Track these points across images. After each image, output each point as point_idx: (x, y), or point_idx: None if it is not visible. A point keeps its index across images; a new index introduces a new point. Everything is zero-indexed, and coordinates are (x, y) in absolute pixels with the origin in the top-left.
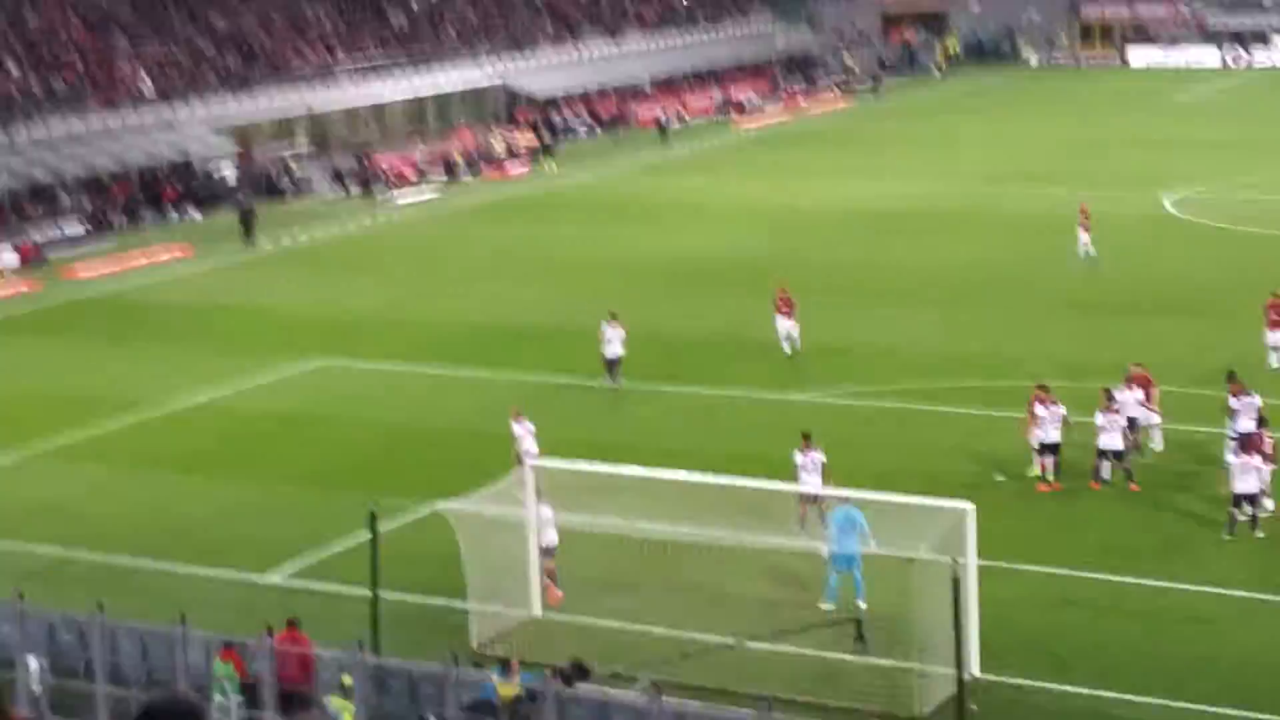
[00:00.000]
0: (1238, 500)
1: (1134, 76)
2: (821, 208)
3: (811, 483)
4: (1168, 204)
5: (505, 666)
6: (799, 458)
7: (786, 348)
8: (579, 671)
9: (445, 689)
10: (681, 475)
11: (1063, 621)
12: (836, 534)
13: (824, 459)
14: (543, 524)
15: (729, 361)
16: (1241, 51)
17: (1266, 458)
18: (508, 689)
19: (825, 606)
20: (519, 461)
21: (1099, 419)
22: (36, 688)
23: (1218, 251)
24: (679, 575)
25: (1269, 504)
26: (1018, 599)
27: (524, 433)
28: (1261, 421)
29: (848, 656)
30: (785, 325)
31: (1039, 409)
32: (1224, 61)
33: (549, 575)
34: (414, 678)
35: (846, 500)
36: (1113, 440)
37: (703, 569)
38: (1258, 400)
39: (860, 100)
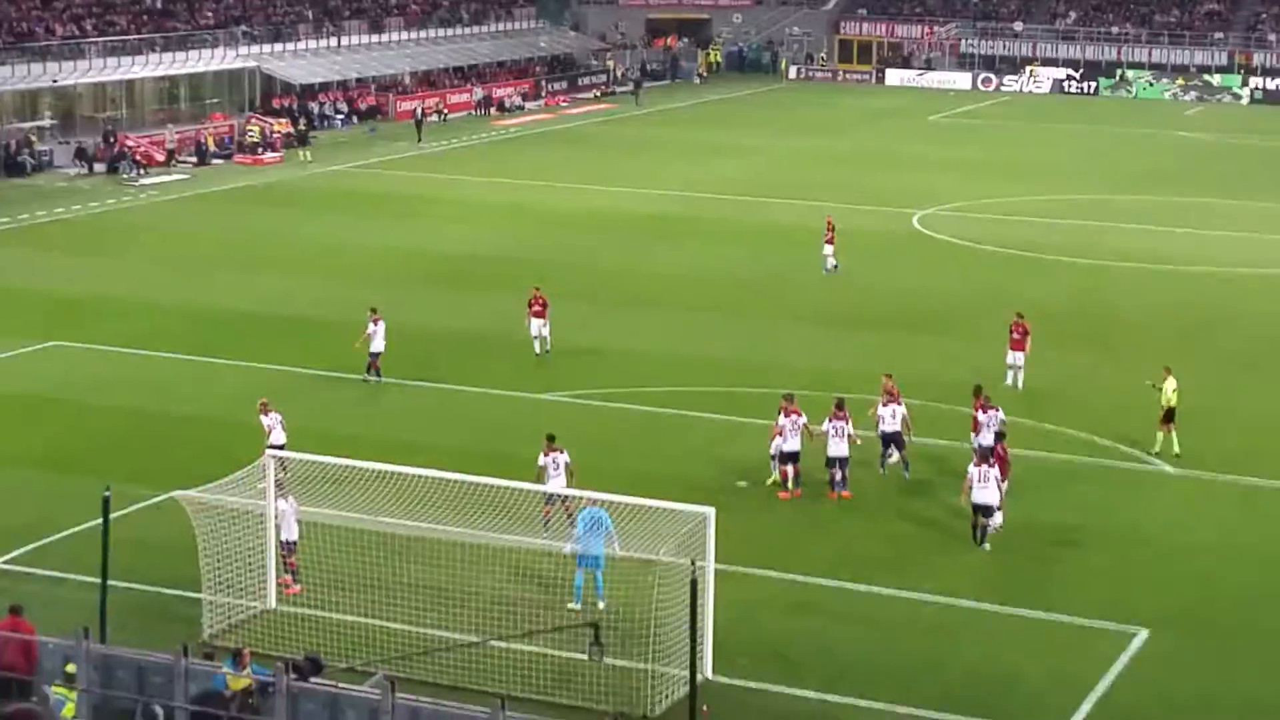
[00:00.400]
0: (976, 510)
1: (889, 95)
2: (578, 209)
3: (556, 483)
4: (916, 221)
5: (237, 658)
6: (543, 459)
7: (537, 347)
8: (312, 665)
9: (174, 679)
10: (428, 471)
11: (796, 627)
12: (583, 534)
13: (568, 460)
14: (285, 518)
15: (482, 359)
16: (993, 76)
17: (1004, 470)
18: (238, 681)
19: (572, 606)
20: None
21: (827, 427)
22: None
23: (962, 269)
24: (420, 572)
25: (999, 519)
26: (754, 603)
27: (273, 424)
28: (1000, 436)
29: (583, 657)
30: (537, 325)
31: (781, 418)
32: (975, 85)
33: (290, 570)
34: (142, 667)
35: (594, 502)
36: (840, 448)
37: (445, 567)
38: (1001, 414)
39: (621, 104)
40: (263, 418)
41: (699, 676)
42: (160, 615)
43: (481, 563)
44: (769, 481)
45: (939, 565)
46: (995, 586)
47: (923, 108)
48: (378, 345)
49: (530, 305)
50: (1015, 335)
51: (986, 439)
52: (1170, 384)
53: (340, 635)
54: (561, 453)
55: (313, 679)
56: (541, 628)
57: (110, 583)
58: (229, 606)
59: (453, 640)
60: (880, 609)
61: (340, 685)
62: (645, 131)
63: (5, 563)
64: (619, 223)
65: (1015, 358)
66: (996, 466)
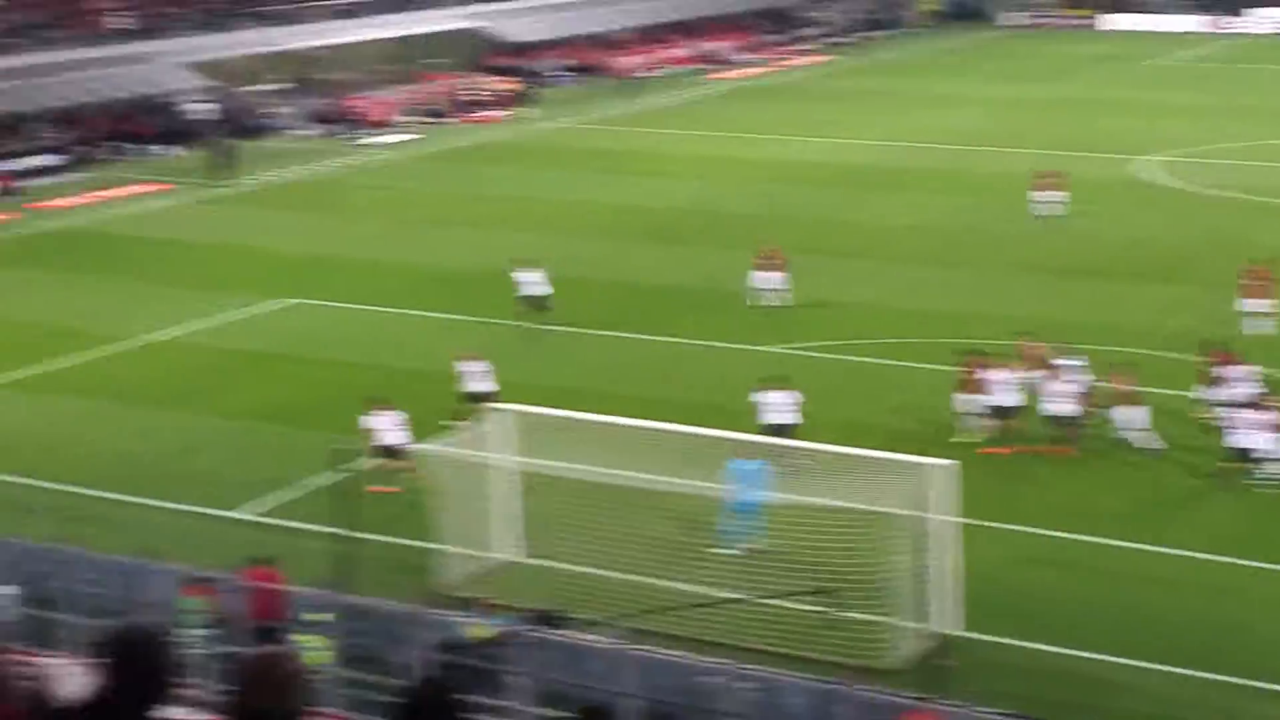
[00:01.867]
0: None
1: (1110, 39)
2: (794, 162)
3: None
4: (1137, 168)
5: (479, 608)
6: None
7: (773, 299)
8: (552, 617)
9: (418, 628)
10: (648, 424)
11: (1032, 580)
12: (741, 484)
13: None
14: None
15: (700, 312)
16: (1216, 18)
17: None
18: (481, 630)
19: (731, 550)
20: (459, 399)
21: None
22: (7, 616)
23: (1187, 215)
24: (658, 525)
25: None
26: (990, 558)
27: (474, 370)
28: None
29: (821, 610)
30: (768, 278)
31: (988, 373)
32: (1199, 26)
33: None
34: (387, 616)
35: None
36: (1061, 407)
37: (682, 520)
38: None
39: (839, 56)
40: (460, 365)
41: (944, 629)
42: (402, 567)
43: (714, 519)
44: (962, 438)
45: (1174, 518)
46: (1230, 540)
47: (1144, 52)
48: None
49: (762, 259)
50: (1250, 282)
51: (1241, 391)
52: None
53: (581, 589)
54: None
55: (553, 630)
56: (779, 581)
57: (353, 535)
58: (470, 558)
59: (692, 594)
60: (1112, 560)
61: (581, 637)
62: (862, 82)
63: (250, 514)
64: (835, 175)
65: (1251, 305)
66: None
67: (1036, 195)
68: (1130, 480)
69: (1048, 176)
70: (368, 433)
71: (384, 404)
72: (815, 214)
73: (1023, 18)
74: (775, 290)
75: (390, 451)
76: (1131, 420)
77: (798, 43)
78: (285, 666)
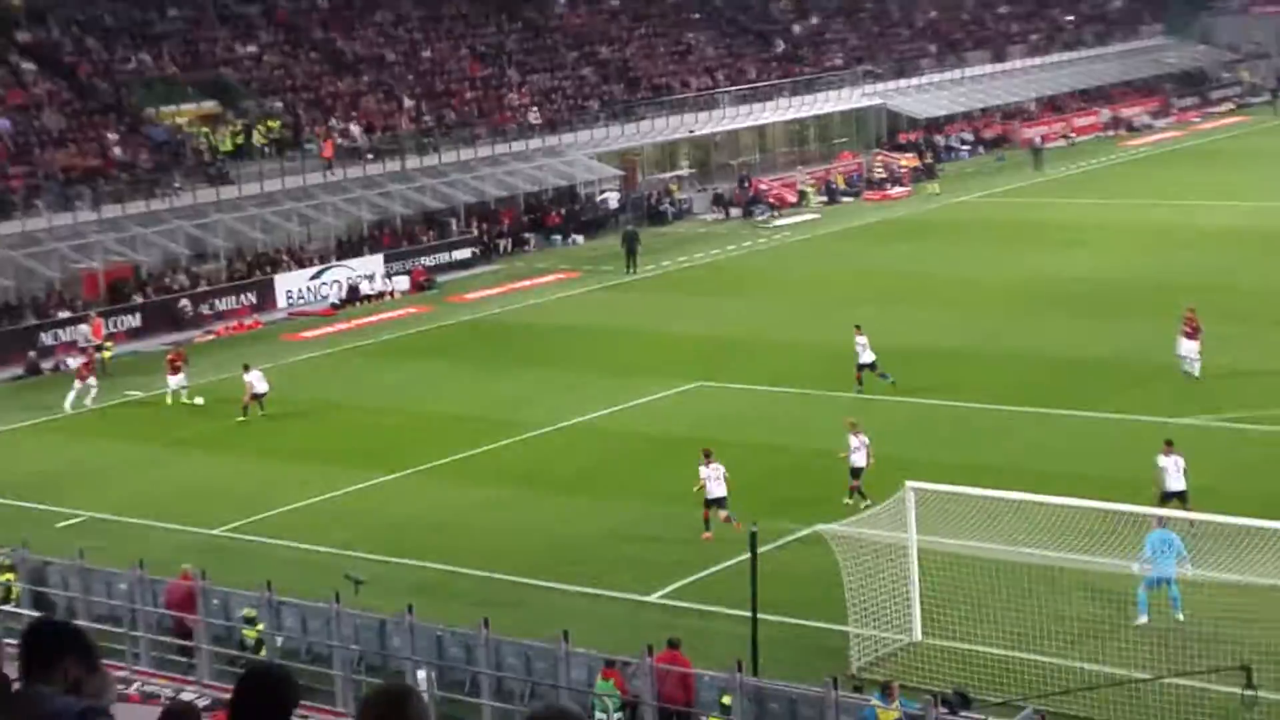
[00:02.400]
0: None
1: None
2: (1213, 227)
3: (1175, 486)
4: None
5: (886, 691)
6: (1163, 460)
7: (1192, 369)
8: (960, 699)
9: (824, 711)
10: (1061, 500)
11: None
12: (1153, 555)
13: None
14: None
15: (1120, 386)
16: None
17: None
18: (888, 714)
19: (1140, 621)
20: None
21: None
22: (425, 699)
23: None
24: (1068, 604)
25: None
26: None
27: (858, 444)
28: None
29: (1237, 691)
30: (1188, 347)
31: None
32: None
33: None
34: (793, 699)
35: (1163, 524)
36: None
37: (1094, 598)
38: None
39: (1257, 115)
40: (850, 437)
41: None
42: (809, 648)
43: (1128, 594)
44: None
45: None
46: None
47: None
48: (866, 357)
49: (1183, 326)
50: None
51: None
52: None
53: (988, 669)
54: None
55: (961, 713)
56: (1192, 662)
57: (760, 616)
58: (876, 639)
59: (1103, 675)
60: None
61: (990, 719)
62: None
63: (661, 597)
64: (1260, 239)
65: None
66: None
67: None
68: None
69: None
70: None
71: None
72: (1240, 281)
73: None
74: (1193, 359)
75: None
76: None
77: (1211, 104)
78: None
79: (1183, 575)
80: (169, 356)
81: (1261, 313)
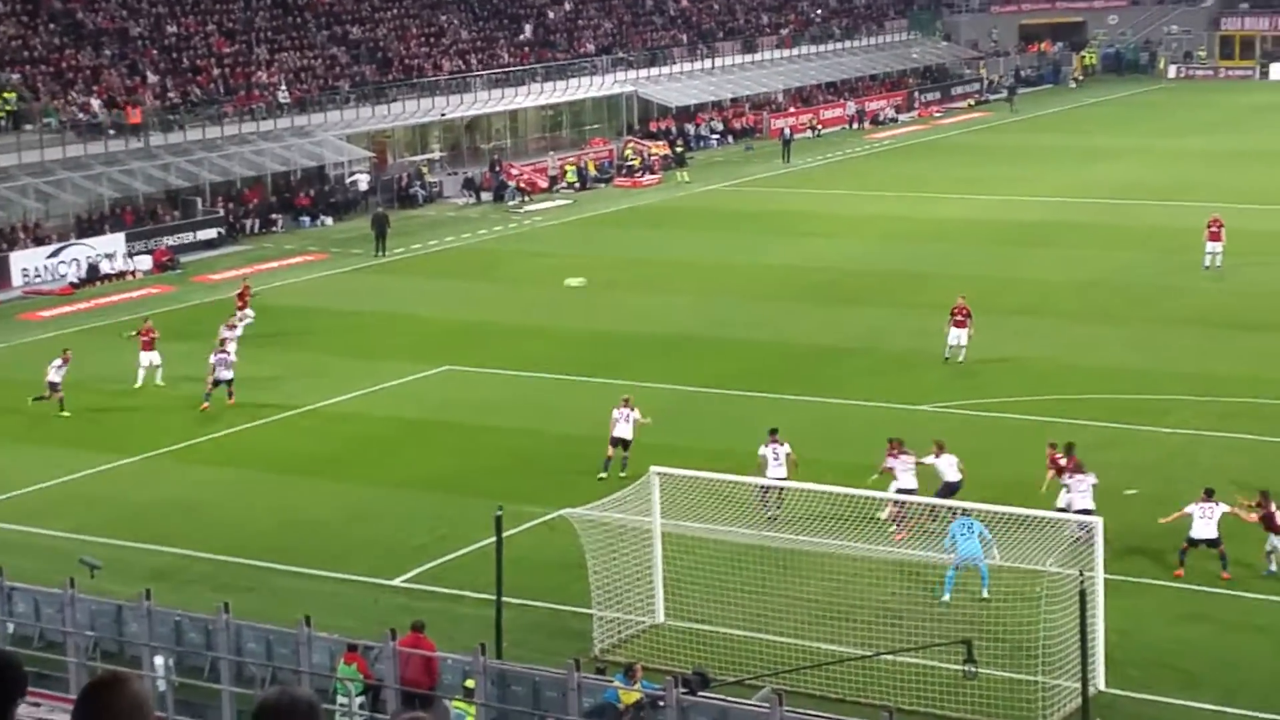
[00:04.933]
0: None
1: (1273, 90)
2: (953, 219)
3: (775, 472)
4: None
5: (628, 672)
6: (763, 449)
7: (957, 356)
8: (701, 679)
9: (567, 694)
10: (801, 485)
11: (1189, 636)
12: (958, 539)
13: (789, 451)
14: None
15: (859, 372)
16: None
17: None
18: (630, 695)
19: (945, 599)
20: (611, 444)
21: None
22: (162, 686)
23: None
24: (804, 586)
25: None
26: (1143, 613)
27: (620, 418)
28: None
29: (968, 668)
30: (956, 334)
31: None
32: None
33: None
34: (536, 682)
35: (965, 512)
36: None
37: (829, 580)
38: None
39: (996, 112)
40: (616, 411)
41: (1091, 689)
42: (553, 631)
43: (864, 575)
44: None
45: None
46: None
47: None
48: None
49: (952, 314)
50: None
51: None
52: None
53: (728, 649)
54: (783, 445)
55: (701, 693)
56: (926, 641)
57: (505, 600)
58: (619, 622)
59: (840, 654)
60: (1276, 616)
61: (729, 699)
62: (1020, 138)
63: (405, 581)
64: (995, 231)
65: None
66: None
67: (1210, 245)
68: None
69: (1217, 225)
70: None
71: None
72: (975, 271)
73: (1182, 70)
74: (960, 346)
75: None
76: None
77: (953, 100)
78: None
79: (990, 560)
80: (141, 331)
81: (998, 302)
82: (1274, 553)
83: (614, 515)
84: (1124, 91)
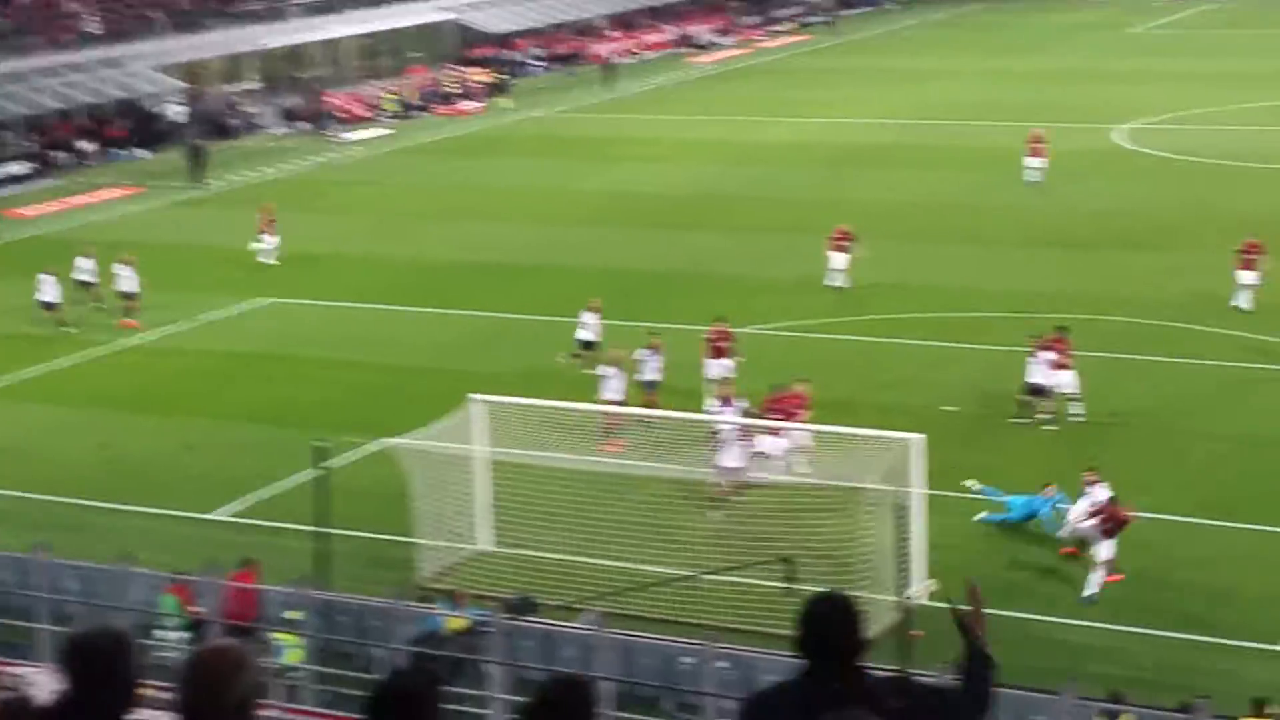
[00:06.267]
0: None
1: (1088, 8)
2: (777, 143)
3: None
4: (1119, 136)
5: (452, 600)
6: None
7: (834, 281)
8: (525, 605)
9: (392, 622)
10: (627, 410)
11: (1012, 551)
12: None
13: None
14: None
15: (691, 296)
16: None
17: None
18: (455, 622)
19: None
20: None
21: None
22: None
23: (1170, 183)
24: (627, 509)
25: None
26: (966, 529)
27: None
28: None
29: (788, 584)
30: (839, 259)
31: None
32: None
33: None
34: (361, 612)
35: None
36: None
37: (651, 502)
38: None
39: (818, 35)
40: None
41: (909, 601)
42: (377, 561)
43: (687, 497)
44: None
45: (1154, 480)
46: (1213, 502)
47: (1123, 19)
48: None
49: (835, 238)
50: (1246, 256)
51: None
52: None
53: (555, 575)
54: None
55: (527, 618)
56: (749, 560)
57: (329, 531)
58: (444, 549)
59: (664, 575)
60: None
61: (555, 623)
62: (842, 61)
63: (227, 514)
64: (819, 154)
65: (1246, 277)
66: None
67: (1029, 161)
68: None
69: (1038, 141)
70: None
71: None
72: (803, 194)
73: None
74: (838, 270)
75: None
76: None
77: (775, 23)
78: (229, 659)
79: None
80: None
81: (818, 223)
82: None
83: (435, 444)
84: (943, 12)
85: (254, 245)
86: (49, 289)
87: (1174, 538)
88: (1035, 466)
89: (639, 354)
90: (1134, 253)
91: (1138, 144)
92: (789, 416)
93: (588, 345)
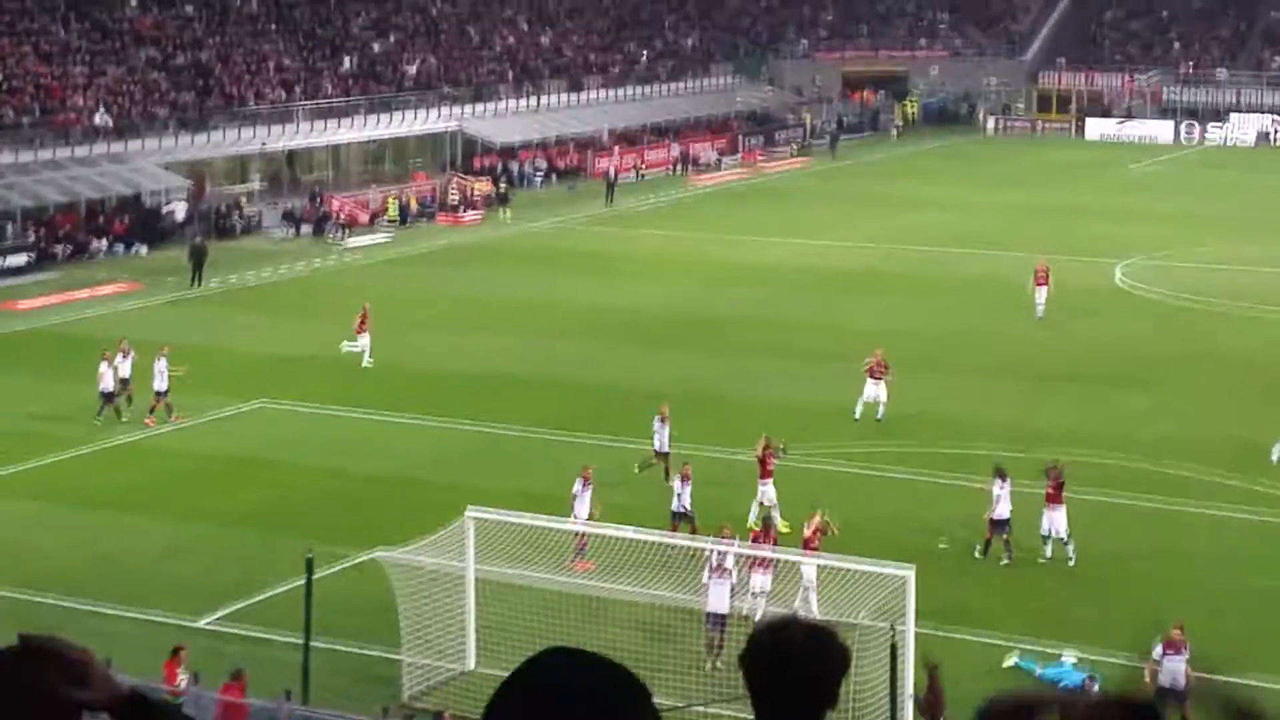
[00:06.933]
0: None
1: (1089, 146)
2: (775, 264)
3: (582, 506)
4: (1118, 273)
5: (438, 719)
6: (578, 486)
7: (860, 411)
8: None
9: None
10: (616, 531)
11: (997, 687)
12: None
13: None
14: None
15: (678, 416)
16: (1196, 125)
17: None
18: None
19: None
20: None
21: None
22: None
23: (1167, 322)
24: (617, 635)
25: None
26: (956, 666)
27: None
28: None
29: None
30: (873, 390)
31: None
32: (1177, 135)
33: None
34: None
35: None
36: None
37: (642, 628)
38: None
39: (818, 158)
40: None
41: None
42: (362, 676)
43: (676, 623)
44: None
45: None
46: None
47: (1123, 158)
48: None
49: (870, 370)
50: None
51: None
52: None
53: None
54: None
55: None
56: (738, 692)
57: (313, 643)
58: (428, 668)
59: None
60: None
61: None
62: (842, 185)
63: (213, 622)
64: (816, 277)
65: None
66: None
67: (1038, 292)
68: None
69: (1043, 271)
70: None
71: None
72: (792, 316)
73: (1001, 123)
74: (880, 401)
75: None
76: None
77: (775, 146)
78: None
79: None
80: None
81: (811, 348)
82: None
83: (426, 559)
84: (943, 142)
85: (347, 347)
86: (108, 379)
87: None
88: (1029, 608)
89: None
90: (1125, 390)
91: (1136, 281)
92: (807, 546)
93: (662, 455)
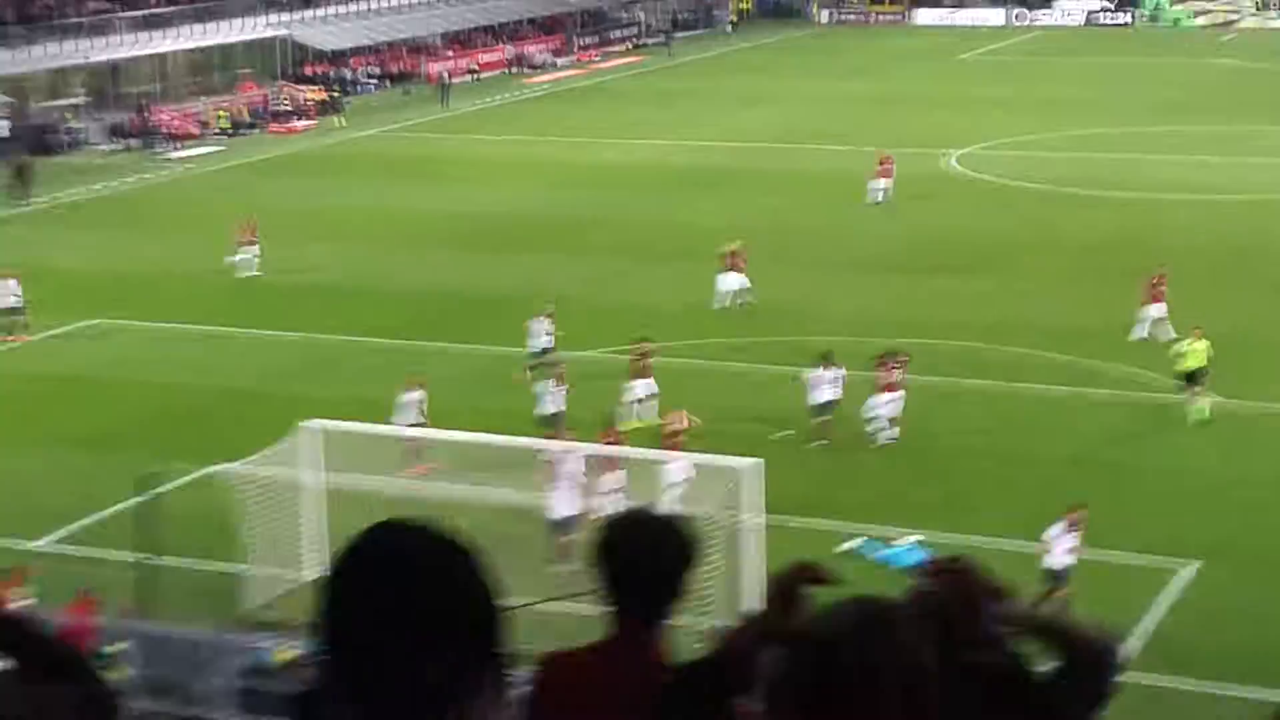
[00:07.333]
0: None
1: (921, 35)
2: (613, 164)
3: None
4: (953, 161)
5: (283, 630)
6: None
7: (728, 301)
8: None
9: (219, 654)
10: (457, 435)
11: (844, 573)
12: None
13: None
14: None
15: (513, 318)
16: (1025, 11)
17: None
18: (284, 654)
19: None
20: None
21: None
22: None
23: (1002, 207)
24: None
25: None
26: (801, 553)
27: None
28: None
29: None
30: (733, 280)
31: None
32: (1008, 20)
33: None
34: (185, 643)
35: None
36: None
37: (481, 527)
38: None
39: (653, 56)
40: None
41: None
42: (205, 591)
43: (515, 522)
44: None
45: (984, 506)
46: (1041, 526)
47: (955, 46)
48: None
49: (727, 261)
50: (1153, 289)
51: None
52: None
53: None
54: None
55: None
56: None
57: (154, 560)
58: (273, 580)
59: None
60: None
61: None
62: (678, 83)
63: (50, 543)
64: (655, 176)
65: (1151, 311)
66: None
67: (874, 182)
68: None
69: (885, 163)
70: None
71: None
72: (633, 216)
73: (834, 14)
74: (737, 291)
75: None
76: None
77: (610, 44)
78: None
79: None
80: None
81: (652, 246)
82: None
83: (264, 471)
84: (778, 36)
85: (231, 259)
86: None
87: (1003, 565)
88: (870, 490)
89: (539, 386)
90: (964, 276)
91: (971, 169)
92: (668, 444)
93: (542, 353)
